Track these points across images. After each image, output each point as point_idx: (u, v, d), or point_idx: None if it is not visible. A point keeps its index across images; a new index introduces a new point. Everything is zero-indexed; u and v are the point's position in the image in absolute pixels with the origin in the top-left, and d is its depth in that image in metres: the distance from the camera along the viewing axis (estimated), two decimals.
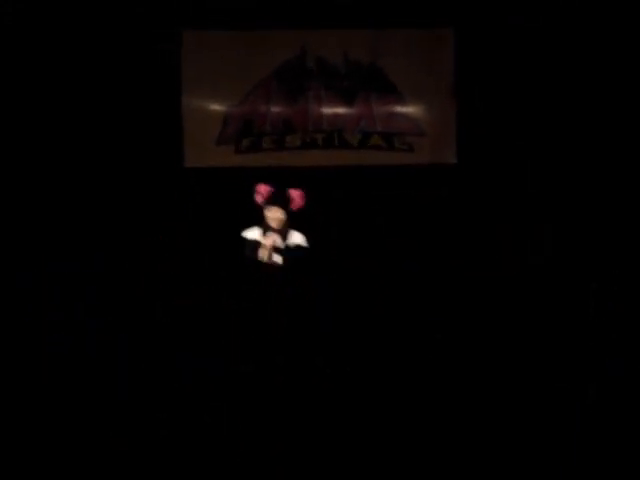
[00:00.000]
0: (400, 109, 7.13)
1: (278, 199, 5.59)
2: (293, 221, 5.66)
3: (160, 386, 5.90)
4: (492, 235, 6.92)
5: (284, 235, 5.59)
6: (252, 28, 7.03)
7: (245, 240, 5.65)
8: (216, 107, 7.10)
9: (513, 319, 6.57)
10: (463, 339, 6.51)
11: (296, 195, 5.63)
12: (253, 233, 5.66)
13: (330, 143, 7.11)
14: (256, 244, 5.57)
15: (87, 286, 6.71)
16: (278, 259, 5.54)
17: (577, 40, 6.88)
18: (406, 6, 6.96)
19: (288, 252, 5.55)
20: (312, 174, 6.66)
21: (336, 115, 7.11)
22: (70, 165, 6.95)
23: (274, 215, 5.57)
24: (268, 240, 5.53)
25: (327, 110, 7.11)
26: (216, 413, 5.44)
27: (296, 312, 5.56)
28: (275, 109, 7.10)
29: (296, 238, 5.62)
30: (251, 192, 6.76)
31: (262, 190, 5.64)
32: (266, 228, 5.59)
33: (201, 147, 7.08)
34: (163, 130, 7.02)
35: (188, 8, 7.01)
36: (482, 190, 7.02)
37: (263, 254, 5.51)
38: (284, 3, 6.95)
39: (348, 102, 7.12)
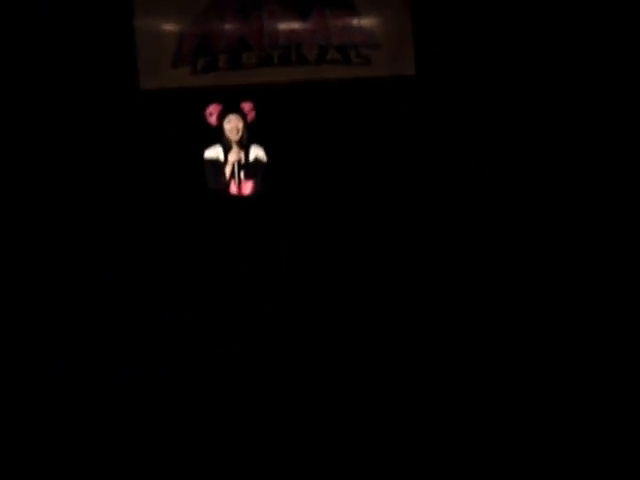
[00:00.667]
0: (356, 22, 7.07)
1: (232, 110, 5.59)
2: (252, 137, 5.65)
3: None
4: (452, 147, 6.91)
5: (246, 148, 5.59)
6: None
7: (206, 161, 5.64)
8: (170, 27, 7.00)
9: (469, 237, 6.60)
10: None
11: (247, 107, 5.65)
12: (214, 151, 5.67)
13: (287, 59, 7.05)
14: (218, 163, 5.58)
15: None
16: (242, 175, 5.56)
17: None
18: None
19: (249, 167, 5.56)
20: (270, 91, 6.63)
21: (292, 31, 7.03)
22: (22, 94, 6.85)
23: (233, 124, 5.59)
24: (232, 155, 5.54)
25: (282, 26, 7.03)
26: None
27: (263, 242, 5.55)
28: (230, 27, 7.00)
29: (255, 151, 5.63)
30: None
31: (212, 110, 5.65)
32: (227, 143, 5.59)
33: (156, 68, 6.99)
34: (117, 52, 6.90)
35: None
36: (441, 101, 6.99)
37: (228, 171, 5.52)
38: None
39: (303, 17, 7.03)
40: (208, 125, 6.37)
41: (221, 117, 5.67)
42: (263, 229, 5.57)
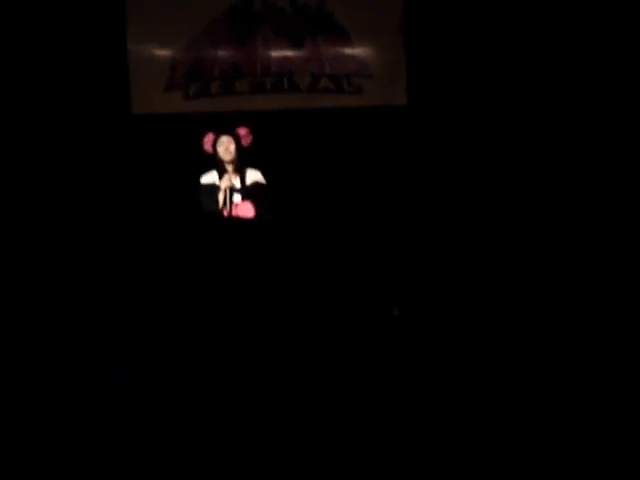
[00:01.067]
0: (348, 51, 7.08)
1: (224, 132, 5.63)
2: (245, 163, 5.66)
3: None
4: (442, 176, 6.92)
5: (240, 172, 5.61)
6: None
7: (202, 186, 5.66)
8: (163, 52, 6.99)
9: (467, 262, 6.61)
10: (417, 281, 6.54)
11: (243, 132, 5.68)
12: (210, 177, 5.69)
13: (279, 87, 7.06)
14: (214, 187, 5.60)
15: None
16: (237, 199, 5.57)
17: None
18: None
19: (247, 191, 5.57)
20: (262, 118, 6.63)
21: (285, 58, 7.04)
22: (14, 116, 6.82)
23: (226, 146, 5.63)
24: (225, 181, 5.56)
25: (275, 53, 7.04)
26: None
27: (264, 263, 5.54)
28: (223, 53, 7.01)
29: (252, 175, 5.65)
30: (200, 139, 6.81)
31: (207, 140, 5.70)
32: (222, 167, 5.61)
33: (148, 93, 6.99)
34: (109, 77, 6.90)
35: None
36: (432, 131, 7.01)
37: (221, 197, 5.54)
38: None
39: (296, 45, 7.05)
40: (199, 151, 6.41)
41: (215, 143, 5.70)
42: (257, 249, 5.56)
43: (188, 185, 6.72)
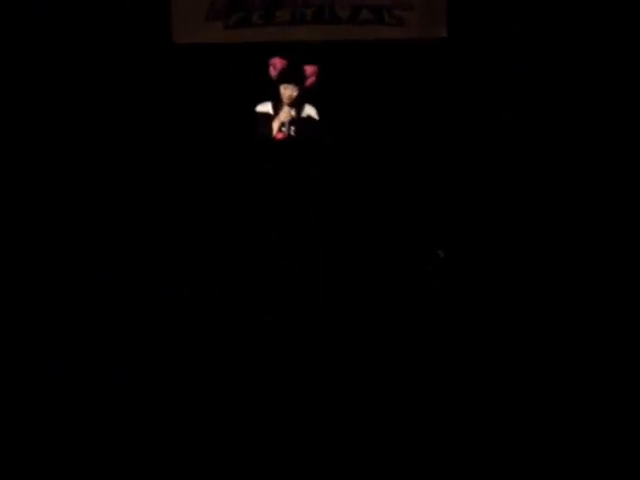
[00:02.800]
0: None
1: (292, 75, 5.64)
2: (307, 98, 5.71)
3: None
4: (483, 109, 6.91)
5: (298, 110, 5.65)
6: None
7: (257, 114, 5.70)
8: None
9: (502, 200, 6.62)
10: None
11: (310, 72, 5.70)
12: (266, 106, 5.73)
13: (320, 18, 7.04)
14: (269, 117, 5.64)
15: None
16: (291, 131, 5.62)
17: None
18: None
19: (300, 124, 5.61)
20: (302, 49, 6.63)
21: None
22: (55, 46, 6.86)
23: (289, 93, 5.65)
24: (282, 114, 5.60)
25: None
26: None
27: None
28: None
29: (308, 110, 5.69)
30: (241, 68, 6.86)
31: (277, 63, 5.71)
32: (280, 103, 5.64)
33: (190, 23, 6.99)
34: (150, 6, 6.92)
35: None
36: (473, 65, 6.98)
37: (276, 125, 5.58)
38: None
39: None
40: (241, 80, 6.47)
41: (281, 75, 5.70)
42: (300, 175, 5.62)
43: (228, 115, 6.85)
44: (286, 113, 5.64)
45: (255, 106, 5.82)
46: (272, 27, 7.02)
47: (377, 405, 5.15)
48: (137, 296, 6.34)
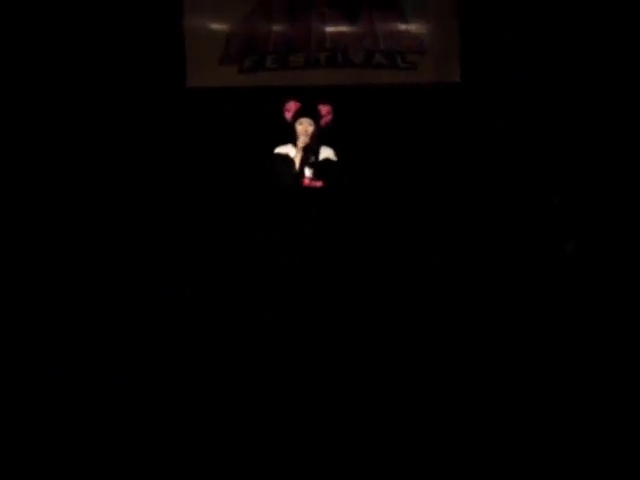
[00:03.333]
0: (403, 27, 7.06)
1: (307, 112, 5.65)
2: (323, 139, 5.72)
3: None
4: (496, 153, 6.90)
5: (315, 149, 5.65)
6: None
7: (276, 155, 5.71)
8: (218, 26, 7.02)
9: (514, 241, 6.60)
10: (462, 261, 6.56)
11: (325, 111, 5.71)
12: (285, 148, 5.74)
13: (333, 62, 7.06)
14: (288, 159, 5.64)
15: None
16: (309, 172, 5.61)
17: None
18: None
19: (319, 166, 5.61)
20: (315, 93, 6.64)
21: (339, 34, 7.04)
22: (71, 91, 6.89)
23: (304, 128, 5.65)
24: (298, 155, 5.60)
25: (330, 29, 7.04)
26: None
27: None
28: (278, 28, 7.02)
29: (325, 152, 5.70)
30: (254, 112, 6.89)
31: (291, 106, 5.73)
32: (295, 140, 5.66)
33: (203, 67, 7.02)
34: (165, 50, 6.95)
35: None
36: (486, 109, 6.98)
37: (298, 164, 5.59)
38: None
39: (351, 20, 7.04)
40: (253, 123, 6.48)
41: (296, 116, 5.73)
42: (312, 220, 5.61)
43: (240, 158, 6.86)
44: (301, 153, 5.65)
45: (272, 149, 5.82)
46: (286, 71, 7.05)
47: (376, 402, 5.15)
48: (137, 296, 6.34)
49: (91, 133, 6.87)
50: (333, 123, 5.82)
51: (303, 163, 5.64)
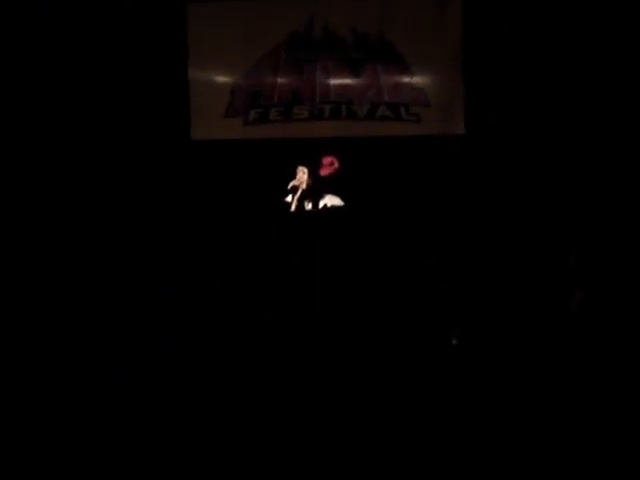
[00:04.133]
0: (407, 80, 7.09)
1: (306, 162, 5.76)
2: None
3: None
4: (500, 205, 6.89)
5: (317, 200, 5.68)
6: None
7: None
8: (223, 79, 7.07)
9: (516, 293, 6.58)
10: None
11: (326, 161, 5.76)
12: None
13: (338, 114, 7.08)
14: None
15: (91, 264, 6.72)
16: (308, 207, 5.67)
17: (589, 8, 6.83)
18: None
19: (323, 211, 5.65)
20: (320, 145, 6.66)
21: (343, 86, 7.07)
22: (77, 138, 6.91)
23: (299, 175, 5.67)
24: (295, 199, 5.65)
25: (334, 81, 7.07)
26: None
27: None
28: (283, 80, 7.06)
29: (331, 200, 5.73)
30: (258, 164, 6.88)
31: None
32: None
33: (208, 119, 7.05)
34: (170, 103, 6.98)
35: None
36: (490, 161, 6.98)
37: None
38: None
39: (355, 73, 7.08)
40: (257, 175, 6.50)
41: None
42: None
43: (245, 210, 6.86)
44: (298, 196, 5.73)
45: (277, 200, 5.89)
46: (290, 123, 7.07)
47: (374, 399, 5.13)
48: (137, 296, 6.37)
49: (97, 185, 6.89)
50: (336, 173, 5.82)
51: (297, 208, 5.69)
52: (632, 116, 6.78)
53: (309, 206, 5.71)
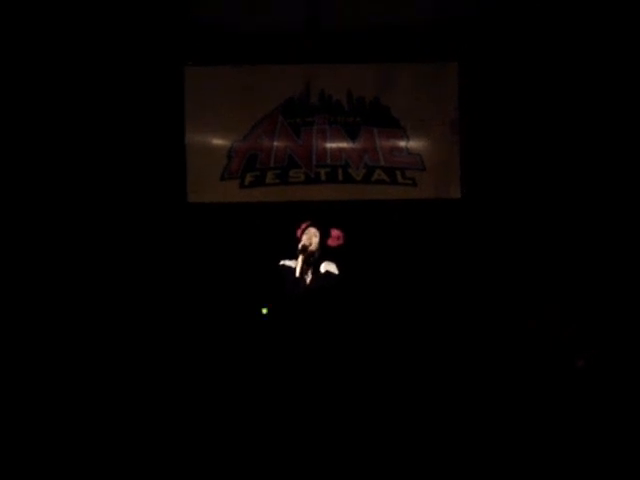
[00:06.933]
0: (403, 144, 7.14)
1: (314, 225, 5.68)
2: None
3: None
4: (497, 270, 6.88)
5: (316, 266, 5.62)
6: (255, 63, 7.04)
7: (282, 266, 5.70)
8: (220, 142, 7.10)
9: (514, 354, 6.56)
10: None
11: (335, 234, 5.71)
12: (290, 262, 5.73)
13: (334, 178, 7.10)
14: (291, 269, 5.63)
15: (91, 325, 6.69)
16: (309, 280, 5.58)
17: (582, 75, 6.89)
18: (410, 41, 6.98)
19: (320, 277, 5.59)
20: (316, 209, 6.67)
21: (340, 150, 7.10)
22: (73, 200, 6.91)
23: (308, 236, 5.63)
24: (300, 260, 5.59)
25: (331, 145, 7.11)
26: None
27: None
28: (279, 144, 7.09)
29: (327, 266, 5.68)
30: (254, 227, 6.89)
31: (303, 225, 5.72)
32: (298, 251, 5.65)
33: (205, 182, 7.06)
34: (166, 166, 7.00)
35: (190, 43, 7.01)
36: (486, 226, 7.00)
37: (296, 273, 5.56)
38: (288, 37, 6.96)
39: (352, 137, 7.12)
40: (253, 239, 6.52)
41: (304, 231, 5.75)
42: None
43: (242, 273, 6.84)
44: (300, 266, 5.65)
45: (274, 264, 5.82)
46: (286, 186, 7.08)
47: (375, 399, 5.05)
48: (137, 296, 6.40)
49: (94, 247, 6.87)
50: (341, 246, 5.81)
51: (303, 270, 5.60)
52: (631, 169, 6.83)
53: (309, 273, 5.62)
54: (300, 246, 5.55)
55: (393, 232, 7.02)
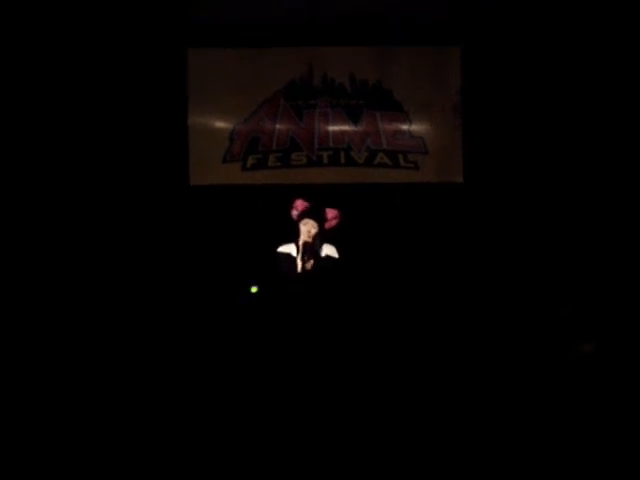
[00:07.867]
0: (405, 127, 7.13)
1: (312, 213, 5.65)
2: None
3: None
4: (498, 255, 6.88)
5: (317, 250, 5.64)
6: (258, 46, 7.04)
7: (279, 254, 5.71)
8: (222, 125, 7.09)
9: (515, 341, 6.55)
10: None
11: (331, 215, 5.70)
12: (288, 248, 5.73)
13: (336, 161, 7.11)
14: (291, 257, 5.63)
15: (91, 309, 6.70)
16: (309, 265, 5.60)
17: (585, 57, 6.88)
18: (413, 25, 6.96)
19: (320, 262, 5.60)
20: (318, 192, 6.67)
21: (342, 133, 7.10)
22: (75, 184, 6.92)
23: (308, 229, 5.64)
24: (300, 255, 5.60)
25: (333, 128, 7.10)
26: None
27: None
28: (281, 127, 7.08)
29: (327, 250, 5.69)
30: (256, 210, 6.88)
31: (298, 205, 5.71)
32: (299, 241, 5.65)
33: (207, 165, 7.07)
34: (169, 148, 7.00)
35: (193, 26, 7.01)
36: (488, 210, 6.99)
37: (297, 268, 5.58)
38: (290, 20, 6.95)
39: (354, 120, 7.11)
40: (255, 221, 6.49)
41: (301, 215, 5.73)
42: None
43: (243, 256, 6.84)
44: (302, 242, 5.66)
45: (276, 247, 5.84)
46: (289, 169, 7.09)
47: (374, 398, 5.05)
48: (140, 279, 6.41)
49: (95, 230, 6.88)
50: (338, 226, 5.81)
51: (303, 263, 5.61)
52: (633, 158, 6.82)
53: (311, 261, 5.62)
54: (301, 244, 5.57)
55: (395, 215, 7.01)
